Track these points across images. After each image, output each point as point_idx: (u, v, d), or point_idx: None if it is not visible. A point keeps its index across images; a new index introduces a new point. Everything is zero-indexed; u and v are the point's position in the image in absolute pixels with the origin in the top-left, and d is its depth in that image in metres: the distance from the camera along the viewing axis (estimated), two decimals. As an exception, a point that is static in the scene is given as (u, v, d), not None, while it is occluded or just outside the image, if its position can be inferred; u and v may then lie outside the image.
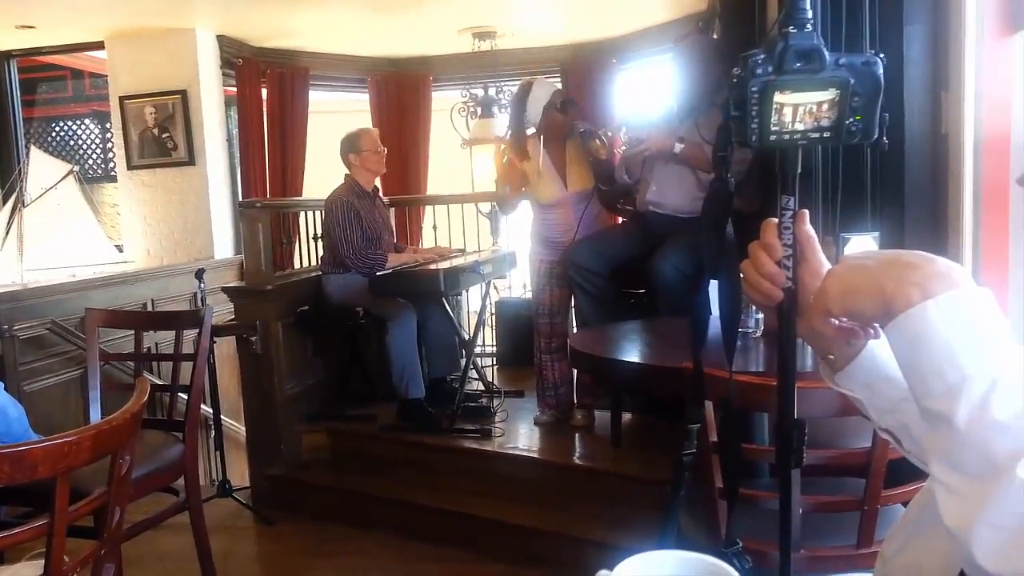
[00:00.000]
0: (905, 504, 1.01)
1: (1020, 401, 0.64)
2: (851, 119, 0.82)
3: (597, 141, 3.43)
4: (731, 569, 0.70)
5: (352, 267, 3.94)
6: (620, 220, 4.06)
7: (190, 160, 5.51)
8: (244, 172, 6.00)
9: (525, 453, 3.61)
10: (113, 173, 6.48)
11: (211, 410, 3.74)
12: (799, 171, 0.86)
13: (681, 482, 1.45)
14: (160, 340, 4.30)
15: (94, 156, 8.48)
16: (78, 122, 8.59)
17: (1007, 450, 0.62)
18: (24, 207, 5.67)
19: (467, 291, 4.57)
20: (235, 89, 5.91)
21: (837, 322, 0.82)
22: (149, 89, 5.50)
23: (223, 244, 5.66)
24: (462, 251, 4.64)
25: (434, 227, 5.40)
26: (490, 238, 5.54)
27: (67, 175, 5.98)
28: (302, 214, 5.25)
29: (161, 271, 5.13)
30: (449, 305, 4.13)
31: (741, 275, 0.90)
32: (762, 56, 0.81)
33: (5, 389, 2.51)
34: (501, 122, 5.61)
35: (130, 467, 1.48)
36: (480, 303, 4.48)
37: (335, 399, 4.30)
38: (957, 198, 1.94)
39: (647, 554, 0.73)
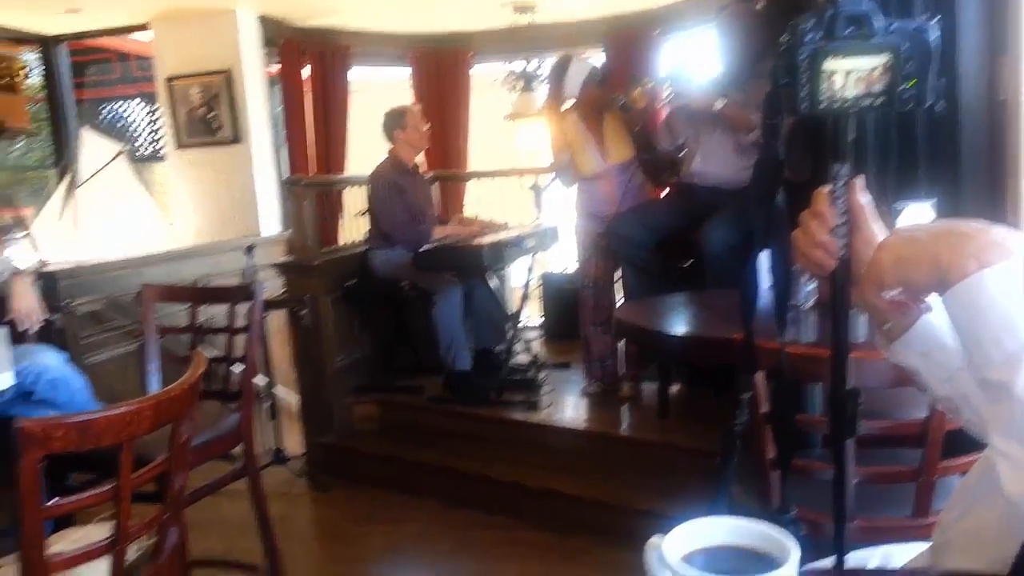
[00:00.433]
0: (962, 475, 1.01)
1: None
2: (904, 85, 0.81)
3: (637, 90, 3.39)
4: (786, 535, 0.70)
5: (397, 242, 3.98)
6: (664, 192, 4.03)
7: (236, 139, 5.59)
8: (289, 150, 6.07)
9: (571, 424, 3.64)
10: (161, 153, 6.60)
11: (265, 380, 3.85)
12: (851, 138, 0.85)
13: (732, 451, 1.45)
14: (211, 315, 4.40)
15: (143, 136, 8.64)
16: (126, 103, 8.75)
17: None
18: (78, 187, 5.81)
19: (511, 267, 4.59)
20: (278, 68, 5.97)
21: (890, 295, 0.81)
22: (194, 70, 5.57)
23: (269, 221, 5.74)
24: (505, 225, 4.65)
25: (477, 202, 5.41)
26: (534, 211, 5.53)
27: (118, 155, 6.11)
28: (346, 190, 5.29)
29: (211, 248, 5.24)
30: (496, 278, 4.16)
31: (792, 245, 0.90)
32: (812, 22, 0.80)
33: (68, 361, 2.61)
34: (543, 96, 5.58)
35: (189, 436, 1.53)
36: (526, 276, 4.50)
37: (383, 371, 4.37)
38: (1016, 164, 1.90)
39: (700, 520, 0.74)
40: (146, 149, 8.53)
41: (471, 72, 6.51)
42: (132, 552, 1.50)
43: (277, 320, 4.43)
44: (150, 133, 8.58)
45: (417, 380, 4.18)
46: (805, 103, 0.81)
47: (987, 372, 0.68)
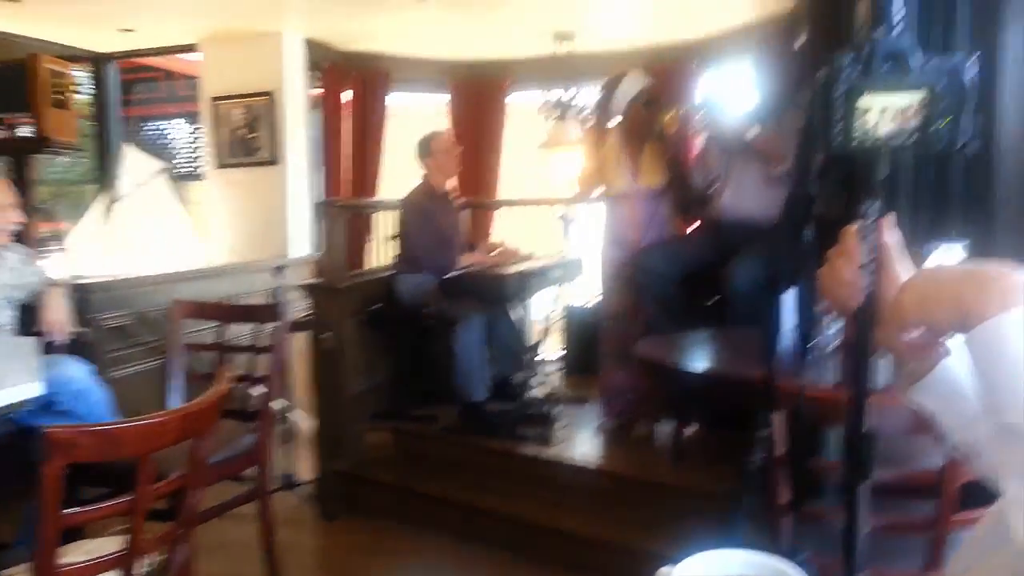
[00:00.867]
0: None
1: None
2: (939, 123, 0.80)
3: (670, 115, 3.40)
4: (799, 571, 0.68)
5: (424, 267, 3.99)
6: (692, 228, 4.01)
7: (273, 160, 5.67)
8: (325, 172, 6.15)
9: (584, 461, 3.59)
10: (199, 172, 6.72)
11: (282, 403, 3.84)
12: (883, 176, 0.84)
13: (746, 492, 1.43)
14: (236, 334, 4.44)
15: (183, 155, 8.82)
16: (169, 122, 8.96)
17: None
18: (117, 202, 5.92)
19: (535, 297, 4.58)
20: (319, 91, 6.07)
21: (912, 335, 0.80)
22: (239, 90, 5.67)
23: (299, 243, 5.80)
24: (531, 255, 4.65)
25: (504, 232, 5.42)
26: (562, 242, 5.53)
27: (159, 172, 6.23)
28: (378, 214, 5.34)
29: (241, 267, 5.30)
30: (520, 309, 4.14)
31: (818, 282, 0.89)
32: (849, 58, 0.80)
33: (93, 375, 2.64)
34: (579, 125, 5.61)
35: (208, 453, 1.53)
36: (549, 309, 4.49)
37: (400, 398, 4.36)
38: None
39: (711, 552, 0.72)
40: (185, 167, 8.70)
41: (507, 100, 6.57)
42: (141, 568, 1.49)
43: (298, 342, 4.46)
44: (190, 152, 8.75)
45: (432, 409, 4.15)
46: (839, 139, 0.80)
47: (1004, 415, 0.67)
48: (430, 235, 4.00)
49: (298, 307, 4.37)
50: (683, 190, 3.64)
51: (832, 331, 1.81)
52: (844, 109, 0.80)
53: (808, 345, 0.98)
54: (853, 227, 0.85)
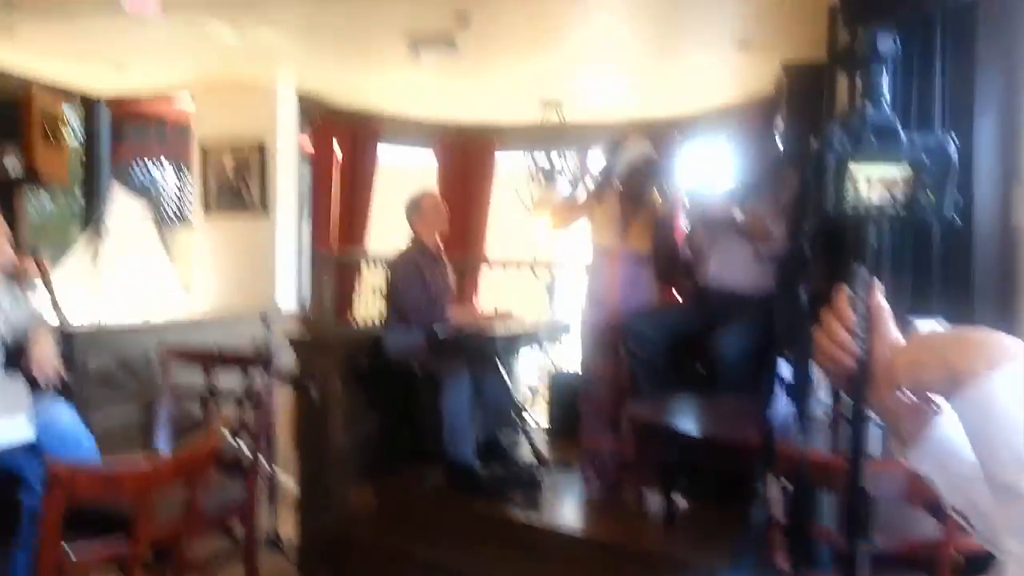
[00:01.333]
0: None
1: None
2: (925, 196, 0.85)
3: (657, 194, 3.49)
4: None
5: (413, 323, 4.01)
6: (678, 295, 4.07)
7: (262, 209, 5.71)
8: (312, 223, 6.19)
9: (571, 529, 3.53)
10: (187, 218, 6.73)
11: (266, 461, 3.78)
12: (872, 243, 0.88)
13: (743, 559, 1.43)
14: (222, 385, 4.40)
15: (170, 200, 8.83)
16: (158, 166, 8.99)
17: None
18: (102, 244, 5.91)
19: (521, 359, 4.59)
20: (310, 143, 6.16)
21: (905, 397, 0.83)
22: (230, 139, 5.74)
23: (286, 293, 5.81)
24: (519, 316, 4.68)
25: (492, 291, 5.47)
26: (547, 304, 5.58)
27: (146, 216, 6.24)
28: (366, 268, 5.37)
29: (226, 316, 5.28)
30: (506, 370, 4.15)
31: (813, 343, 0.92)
32: (840, 130, 0.86)
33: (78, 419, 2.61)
34: (564, 192, 5.72)
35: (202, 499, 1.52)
36: (534, 372, 4.50)
37: (386, 456, 4.31)
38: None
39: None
40: (172, 213, 8.71)
41: (496, 161, 6.70)
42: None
43: (283, 395, 4.42)
44: (178, 197, 8.77)
45: (418, 468, 4.11)
46: (831, 205, 0.85)
47: (998, 474, 0.69)
48: (420, 291, 4.03)
49: (283, 360, 4.35)
50: (668, 259, 3.70)
51: (823, 398, 1.86)
52: (835, 177, 0.85)
53: (803, 410, 1.01)
54: (845, 289, 0.89)
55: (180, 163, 7.30)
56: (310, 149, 6.24)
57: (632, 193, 3.70)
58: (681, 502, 3.59)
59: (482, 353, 3.82)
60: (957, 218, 0.86)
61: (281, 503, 4.07)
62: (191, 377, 3.04)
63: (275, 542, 3.76)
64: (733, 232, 3.36)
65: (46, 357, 2.59)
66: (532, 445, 4.31)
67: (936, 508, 1.11)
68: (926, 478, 0.91)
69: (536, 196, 6.18)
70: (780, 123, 4.49)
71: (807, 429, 1.00)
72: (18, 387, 2.32)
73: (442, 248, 4.41)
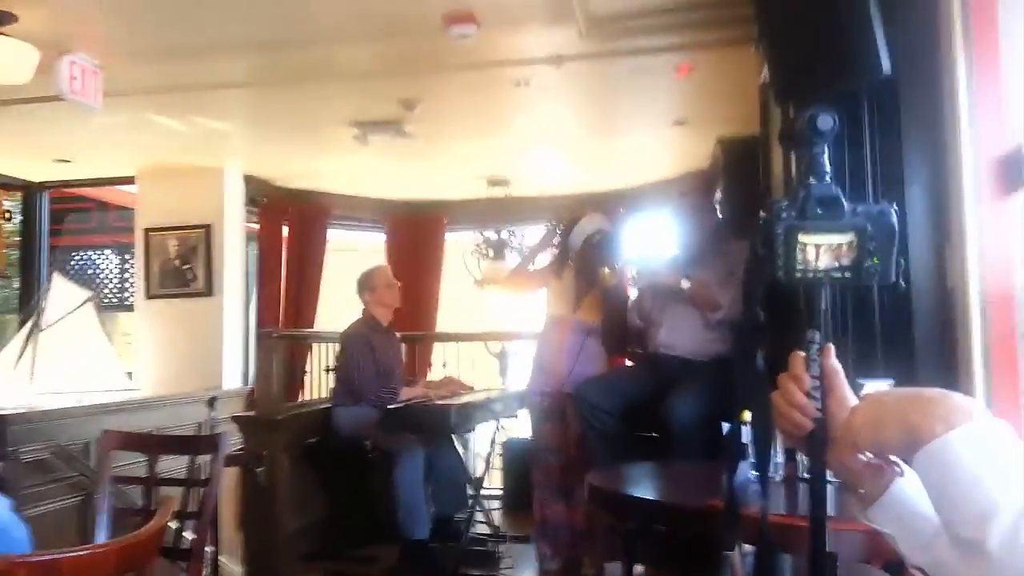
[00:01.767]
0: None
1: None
2: (869, 261, 0.89)
3: (606, 269, 3.55)
4: None
5: (364, 399, 3.96)
6: (628, 362, 4.10)
7: (207, 291, 5.63)
8: (259, 305, 6.11)
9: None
10: (128, 303, 6.60)
11: (211, 547, 3.63)
12: (824, 306, 0.92)
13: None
14: (164, 469, 4.25)
15: (111, 286, 8.66)
16: (99, 252, 8.83)
17: None
18: (40, 331, 5.73)
19: (476, 430, 4.55)
20: (257, 225, 6.13)
21: (864, 457, 0.85)
22: (175, 222, 5.68)
23: (232, 374, 5.68)
24: (472, 388, 4.66)
25: (444, 364, 5.44)
26: (498, 378, 5.56)
27: (85, 302, 6.08)
28: (315, 347, 5.29)
29: (170, 399, 5.12)
30: (460, 443, 4.10)
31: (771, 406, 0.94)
32: (786, 202, 0.90)
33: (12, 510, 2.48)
34: (513, 264, 5.77)
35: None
36: (488, 443, 4.45)
37: (338, 537, 4.19)
38: (967, 356, 1.97)
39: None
40: (113, 298, 8.52)
41: (445, 237, 6.75)
42: None
43: (229, 478, 4.28)
44: (119, 282, 8.60)
45: (372, 549, 4.00)
46: (781, 271, 0.88)
47: (960, 530, 0.70)
48: (371, 367, 3.99)
49: (230, 441, 4.23)
50: (617, 328, 3.74)
51: (779, 461, 1.87)
52: (785, 246, 0.89)
53: (764, 473, 1.02)
54: (800, 353, 0.91)
55: (122, 247, 7.19)
56: (256, 228, 6.21)
57: (588, 267, 3.75)
58: (641, 573, 3.55)
59: (437, 426, 3.78)
60: (902, 281, 0.90)
61: (227, 591, 3.89)
62: (132, 462, 2.93)
63: (222, 638, 3.58)
64: (680, 300, 3.43)
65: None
66: (487, 519, 4.24)
67: (897, 568, 1.12)
68: (887, 537, 0.92)
69: (485, 269, 6.23)
70: (718, 194, 4.65)
71: (768, 492, 1.01)
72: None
73: (392, 322, 4.40)
